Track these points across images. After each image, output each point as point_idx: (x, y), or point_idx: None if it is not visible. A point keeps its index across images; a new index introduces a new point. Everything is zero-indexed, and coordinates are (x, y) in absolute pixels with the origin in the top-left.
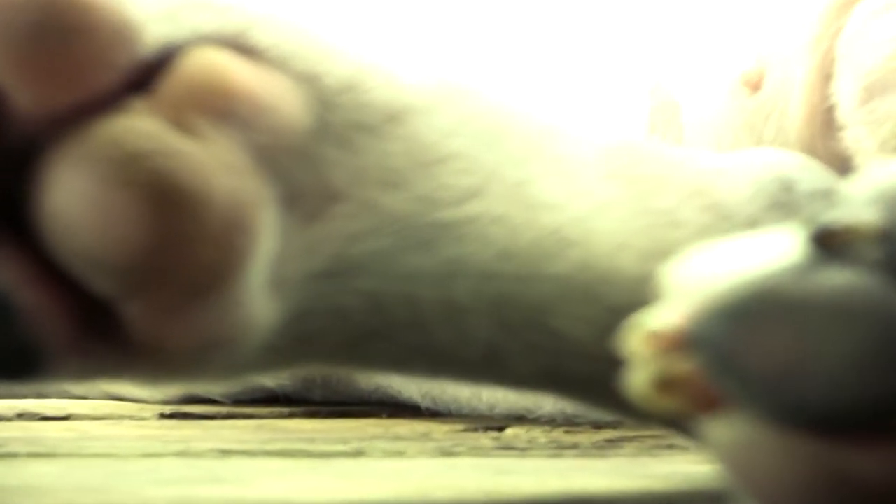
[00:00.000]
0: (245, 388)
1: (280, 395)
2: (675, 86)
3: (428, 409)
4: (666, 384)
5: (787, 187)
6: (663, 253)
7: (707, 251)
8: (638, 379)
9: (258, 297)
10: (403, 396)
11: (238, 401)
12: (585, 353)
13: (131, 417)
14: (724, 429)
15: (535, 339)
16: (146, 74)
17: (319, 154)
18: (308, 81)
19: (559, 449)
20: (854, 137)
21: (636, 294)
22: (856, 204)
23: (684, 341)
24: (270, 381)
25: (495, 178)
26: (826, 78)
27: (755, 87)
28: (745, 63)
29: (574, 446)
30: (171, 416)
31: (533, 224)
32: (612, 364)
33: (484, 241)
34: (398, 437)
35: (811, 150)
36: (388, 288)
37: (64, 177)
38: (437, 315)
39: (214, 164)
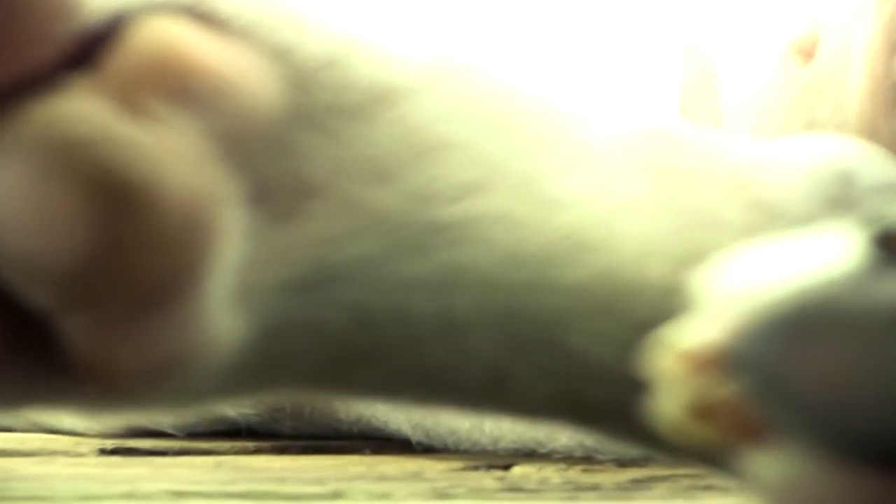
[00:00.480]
0: (203, 418)
1: (243, 426)
2: (713, 51)
3: (420, 444)
4: (702, 411)
5: (845, 181)
6: (699, 258)
7: (751, 256)
8: (669, 405)
9: (221, 311)
10: (390, 428)
11: (194, 433)
12: (607, 376)
13: (66, 453)
14: (771, 463)
15: (548, 360)
16: (89, 48)
17: (293, 142)
18: (279, 56)
19: (576, 491)
20: None
21: (667, 307)
22: None
23: (724, 361)
24: (232, 410)
25: (500, 171)
26: (893, 46)
27: (808, 55)
28: (796, 26)
29: (594, 487)
30: (114, 451)
31: (545, 225)
32: (638, 388)
33: (487, 245)
34: (384, 477)
35: (874, 132)
36: (374, 300)
37: None
38: (433, 332)
39: (169, 153)
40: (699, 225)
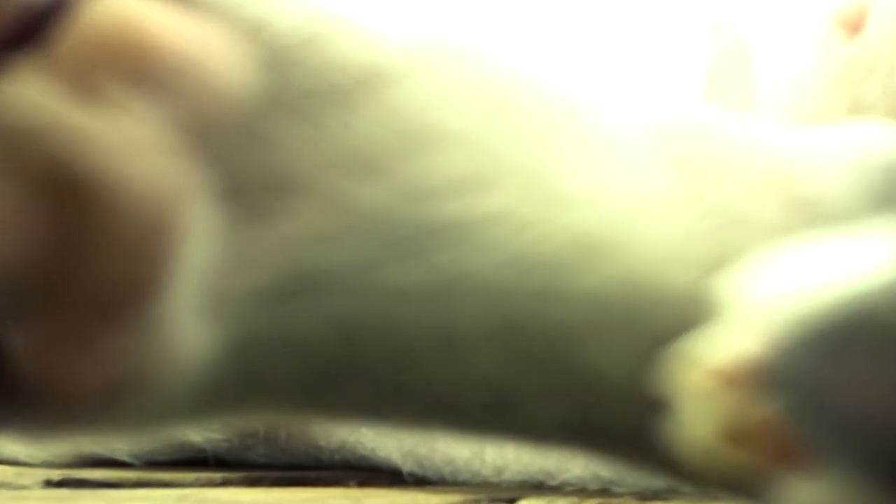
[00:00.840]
0: (164, 444)
1: (210, 454)
2: (744, 26)
3: (412, 475)
4: (734, 434)
5: (894, 173)
6: (729, 261)
7: (787, 258)
8: (696, 428)
9: (187, 322)
10: (378, 457)
11: (153, 462)
12: (624, 396)
13: (7, 485)
14: (811, 491)
15: (557, 378)
16: (36, 25)
17: (268, 131)
18: (250, 33)
19: None
20: None
21: (692, 317)
22: None
23: (760, 377)
24: (198, 435)
25: (503, 165)
26: None
27: (854, 28)
28: None
29: None
30: (62, 483)
31: (554, 225)
32: (659, 409)
33: (489, 248)
34: None
35: None
36: (361, 310)
37: None
38: (427, 346)
39: (128, 143)
40: (729, 224)
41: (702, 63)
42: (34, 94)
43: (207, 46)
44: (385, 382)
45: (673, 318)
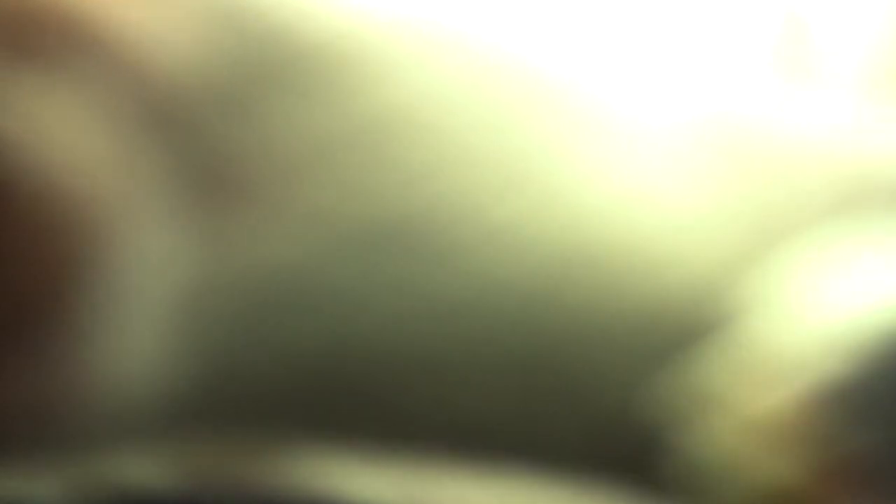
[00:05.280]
0: (87, 482)
1: (150, 498)
2: (812, 4)
3: None
4: (785, 458)
5: None
6: (787, 269)
7: (860, 265)
8: (740, 453)
9: (126, 336)
10: (359, 501)
11: None
12: (660, 420)
13: None
14: None
15: (582, 403)
16: None
17: (227, 118)
18: (207, 8)
19: None
20: None
21: (739, 332)
22: None
23: (818, 397)
24: (137, 471)
25: (514, 168)
26: None
27: None
28: None
29: None
30: None
31: (575, 235)
32: (706, 434)
33: (498, 259)
34: None
35: None
36: (343, 325)
37: None
38: (422, 368)
39: (46, 127)
40: (787, 227)
41: (766, 40)
42: None
43: (148, 18)
44: (375, 408)
45: (718, 333)
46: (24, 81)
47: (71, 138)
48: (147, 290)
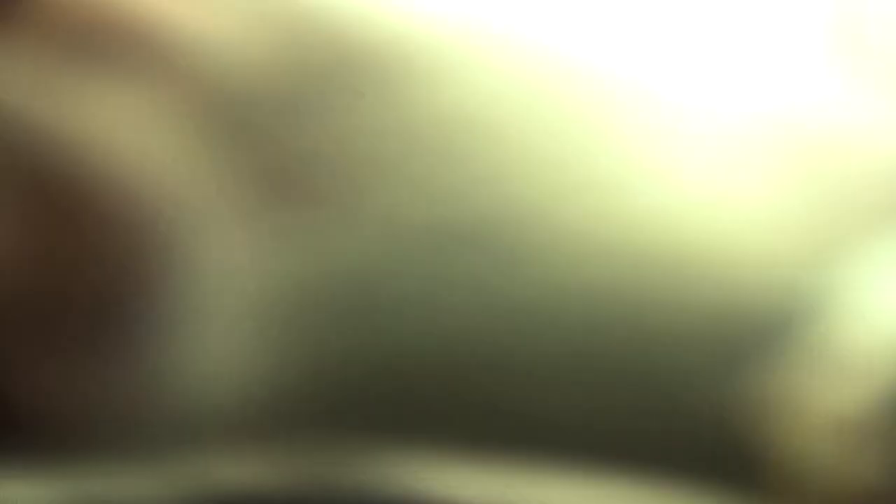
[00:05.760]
0: (191, 487)
1: (248, 501)
2: None
3: None
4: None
5: None
6: (863, 267)
7: None
8: (819, 453)
9: (203, 339)
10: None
11: None
12: (740, 420)
13: None
14: None
15: (663, 404)
16: None
17: (295, 120)
18: (270, 10)
19: None
20: None
21: (816, 331)
22: None
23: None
24: (233, 473)
25: (584, 167)
26: None
27: None
28: None
29: None
30: None
31: (648, 235)
32: (784, 434)
33: (573, 259)
34: None
35: None
36: (419, 327)
37: None
38: (500, 369)
39: (114, 131)
40: (857, 225)
41: (815, 36)
42: (7, 75)
43: (210, 20)
44: (454, 408)
45: (794, 335)
46: (98, 87)
47: (143, 142)
48: (224, 293)
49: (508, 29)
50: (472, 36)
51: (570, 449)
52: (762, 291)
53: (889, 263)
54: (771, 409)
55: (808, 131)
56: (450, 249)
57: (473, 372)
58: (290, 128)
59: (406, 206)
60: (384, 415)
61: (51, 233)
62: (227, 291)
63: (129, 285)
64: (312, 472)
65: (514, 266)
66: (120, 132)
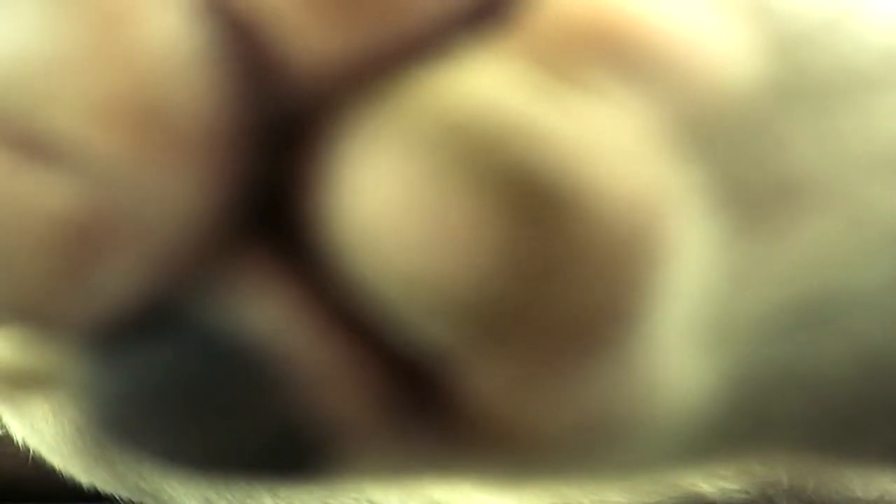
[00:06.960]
0: (661, 494)
1: None
2: None
3: None
4: None
5: None
6: None
7: None
8: None
9: (678, 355)
10: None
11: None
12: None
13: None
14: None
15: None
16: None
17: (776, 128)
18: (757, 15)
19: None
20: None
21: None
22: None
23: None
24: (707, 484)
25: None
26: None
27: None
28: None
29: None
30: None
31: None
32: None
33: None
34: None
35: None
36: (888, 340)
37: (365, 167)
38: None
39: (609, 143)
40: None
41: None
42: (498, 84)
43: (699, 33)
44: None
45: None
46: (593, 93)
47: (629, 156)
48: (700, 306)
49: None
50: None
51: None
52: None
53: None
54: None
55: None
56: None
57: None
58: (763, 146)
59: (865, 224)
60: (840, 430)
61: (533, 247)
62: (696, 311)
63: (603, 302)
64: (782, 480)
65: None
66: (607, 146)
